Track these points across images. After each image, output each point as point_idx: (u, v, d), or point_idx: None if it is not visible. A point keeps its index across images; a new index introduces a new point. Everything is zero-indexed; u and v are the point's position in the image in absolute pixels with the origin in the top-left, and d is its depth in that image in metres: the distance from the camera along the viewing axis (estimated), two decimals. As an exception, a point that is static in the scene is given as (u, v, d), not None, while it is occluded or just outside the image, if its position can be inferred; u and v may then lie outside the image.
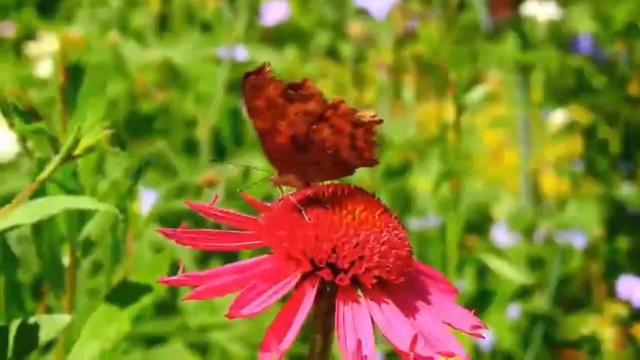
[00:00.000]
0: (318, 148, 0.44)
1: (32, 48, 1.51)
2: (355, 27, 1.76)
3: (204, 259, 0.99)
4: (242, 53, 1.53)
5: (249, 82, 0.43)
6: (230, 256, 0.86)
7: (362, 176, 1.46)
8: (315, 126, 0.43)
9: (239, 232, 0.44)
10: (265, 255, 0.42)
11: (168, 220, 1.00)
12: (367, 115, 0.44)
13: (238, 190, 0.52)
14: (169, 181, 1.22)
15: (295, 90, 0.43)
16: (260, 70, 0.43)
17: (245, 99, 0.43)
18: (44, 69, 1.47)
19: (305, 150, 0.44)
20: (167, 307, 0.90)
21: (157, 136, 1.46)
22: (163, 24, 1.85)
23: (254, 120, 0.44)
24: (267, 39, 1.82)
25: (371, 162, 0.45)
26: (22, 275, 0.56)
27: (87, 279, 0.69)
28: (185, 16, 1.82)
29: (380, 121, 0.44)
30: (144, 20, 1.76)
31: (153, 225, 0.81)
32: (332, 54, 1.88)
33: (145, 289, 0.51)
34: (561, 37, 1.76)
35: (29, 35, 1.73)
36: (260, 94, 0.43)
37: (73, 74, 0.59)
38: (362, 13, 1.79)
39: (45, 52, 1.47)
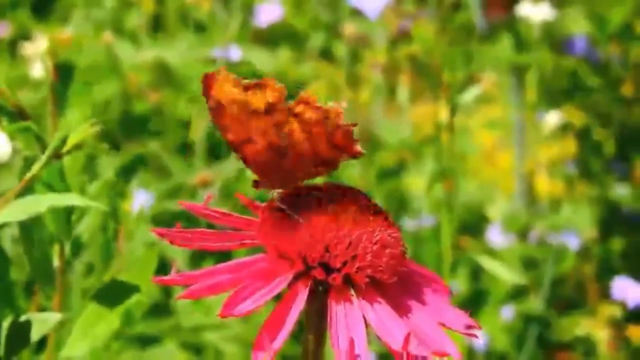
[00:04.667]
0: (296, 150, 0.43)
1: (27, 48, 1.51)
2: (349, 28, 1.76)
3: (197, 258, 0.99)
4: (236, 53, 1.53)
5: (209, 105, 0.42)
6: (223, 256, 0.86)
7: (355, 176, 1.46)
8: (287, 128, 0.42)
9: (232, 231, 0.43)
10: (259, 255, 0.42)
11: (162, 220, 1.00)
12: (333, 109, 0.43)
13: (233, 190, 0.51)
14: (163, 182, 1.22)
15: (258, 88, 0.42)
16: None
17: (211, 119, 0.43)
18: (39, 69, 1.46)
19: (285, 154, 0.43)
20: (160, 308, 0.90)
21: (151, 137, 1.46)
22: (157, 25, 1.85)
23: (225, 136, 0.43)
24: (261, 39, 1.81)
25: (356, 153, 0.43)
26: (16, 274, 0.56)
27: (81, 278, 0.69)
28: (179, 17, 1.82)
29: (342, 110, 0.42)
30: (138, 20, 1.75)
31: (146, 225, 0.81)
32: (326, 54, 1.88)
33: (133, 286, 0.50)
34: (555, 38, 1.76)
35: (24, 35, 1.72)
36: (224, 113, 0.42)
37: (63, 73, 0.59)
38: (356, 13, 1.79)
39: (40, 52, 1.47)
